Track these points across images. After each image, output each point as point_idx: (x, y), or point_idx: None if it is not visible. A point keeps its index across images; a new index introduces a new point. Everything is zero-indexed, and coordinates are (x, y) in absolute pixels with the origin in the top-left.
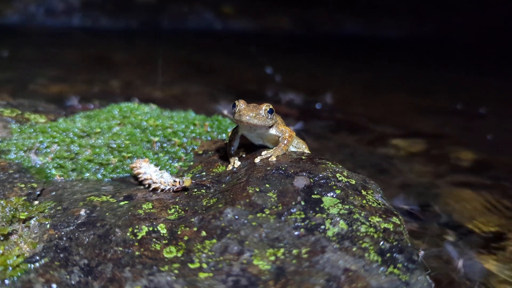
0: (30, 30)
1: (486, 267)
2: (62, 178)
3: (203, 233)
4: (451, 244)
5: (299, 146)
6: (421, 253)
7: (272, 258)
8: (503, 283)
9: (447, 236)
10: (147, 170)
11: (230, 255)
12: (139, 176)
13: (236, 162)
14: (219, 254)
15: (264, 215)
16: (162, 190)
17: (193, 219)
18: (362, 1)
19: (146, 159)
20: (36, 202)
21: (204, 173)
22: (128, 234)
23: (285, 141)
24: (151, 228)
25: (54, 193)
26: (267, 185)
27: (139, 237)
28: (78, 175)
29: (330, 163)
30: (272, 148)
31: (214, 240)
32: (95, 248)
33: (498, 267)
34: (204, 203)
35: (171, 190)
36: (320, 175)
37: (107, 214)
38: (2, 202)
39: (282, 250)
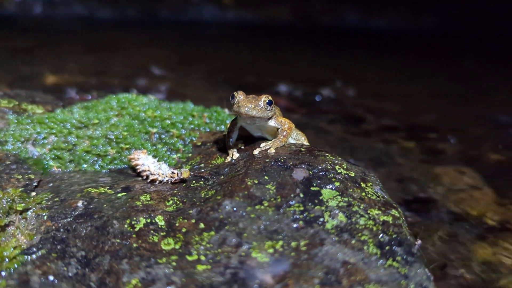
0: (28, 20)
1: (485, 258)
2: (60, 169)
3: (201, 225)
4: (451, 237)
5: (298, 138)
6: (419, 242)
7: (271, 250)
8: (502, 274)
9: (447, 229)
10: (145, 161)
11: (228, 247)
12: (137, 167)
13: (234, 154)
14: (217, 246)
15: (262, 207)
16: (160, 181)
17: (191, 211)
18: None
19: (144, 151)
20: (33, 194)
21: (203, 164)
22: (125, 226)
23: (284, 133)
24: (149, 220)
25: (51, 184)
26: (265, 177)
27: (136, 229)
28: (76, 166)
29: (329, 155)
30: (271, 140)
31: (212, 232)
32: (92, 240)
33: (497, 258)
34: (203, 195)
35: (169, 182)
36: (319, 167)
37: (105, 205)
38: None
39: (280, 243)
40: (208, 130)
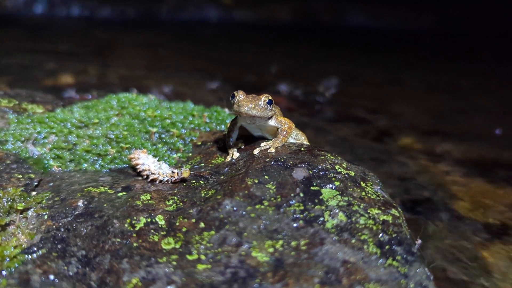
0: (28, 20)
1: (485, 258)
2: (60, 169)
3: (202, 225)
4: (451, 236)
5: (298, 138)
6: (419, 241)
7: (271, 250)
8: (501, 274)
9: (447, 228)
10: (146, 161)
11: (229, 247)
12: (138, 167)
13: (234, 154)
14: (217, 246)
15: (262, 206)
16: (161, 181)
17: (191, 211)
18: None
19: (145, 150)
20: (34, 193)
21: (203, 164)
22: (126, 225)
23: (284, 132)
24: (149, 219)
25: (51, 184)
26: (266, 177)
27: (137, 228)
28: (76, 166)
29: (329, 155)
30: (271, 139)
31: (213, 232)
32: (92, 239)
33: (496, 259)
34: (203, 195)
35: (170, 181)
36: (319, 167)
37: (105, 205)
38: None
39: (280, 242)
40: (208, 129)
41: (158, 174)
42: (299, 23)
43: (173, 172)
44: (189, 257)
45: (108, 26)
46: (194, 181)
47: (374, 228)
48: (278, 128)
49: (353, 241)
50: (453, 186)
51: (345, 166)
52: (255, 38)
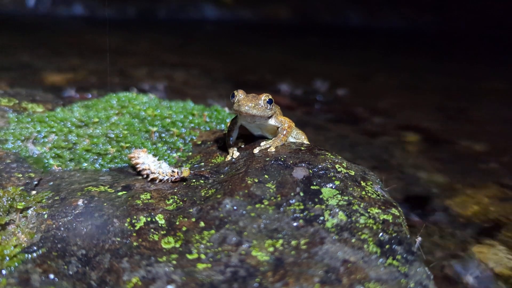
0: (28, 19)
1: (485, 258)
2: (60, 168)
3: (202, 224)
4: (451, 236)
5: (298, 137)
6: (419, 239)
7: (271, 249)
8: (501, 273)
9: (447, 228)
10: (146, 160)
11: (229, 246)
12: (138, 166)
13: (235, 153)
14: (217, 245)
15: (263, 206)
16: (161, 180)
17: (191, 210)
18: None
19: (144, 149)
20: (34, 192)
21: (203, 163)
22: (126, 224)
23: (284, 132)
24: (149, 219)
25: (51, 183)
26: (266, 176)
27: (137, 228)
28: (76, 165)
29: (330, 154)
30: (271, 139)
31: (213, 231)
32: (92, 239)
33: (496, 258)
34: (203, 194)
35: (170, 181)
36: (319, 166)
37: (105, 204)
38: None
39: (280, 241)
40: (208, 129)
41: (158, 173)
42: (298, 22)
43: (173, 171)
44: (189, 256)
45: (108, 26)
46: (194, 180)
47: (374, 227)
48: (278, 127)
49: (353, 240)
50: (453, 186)
51: (345, 165)
52: (255, 37)
